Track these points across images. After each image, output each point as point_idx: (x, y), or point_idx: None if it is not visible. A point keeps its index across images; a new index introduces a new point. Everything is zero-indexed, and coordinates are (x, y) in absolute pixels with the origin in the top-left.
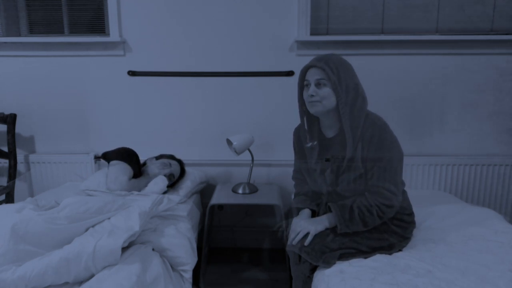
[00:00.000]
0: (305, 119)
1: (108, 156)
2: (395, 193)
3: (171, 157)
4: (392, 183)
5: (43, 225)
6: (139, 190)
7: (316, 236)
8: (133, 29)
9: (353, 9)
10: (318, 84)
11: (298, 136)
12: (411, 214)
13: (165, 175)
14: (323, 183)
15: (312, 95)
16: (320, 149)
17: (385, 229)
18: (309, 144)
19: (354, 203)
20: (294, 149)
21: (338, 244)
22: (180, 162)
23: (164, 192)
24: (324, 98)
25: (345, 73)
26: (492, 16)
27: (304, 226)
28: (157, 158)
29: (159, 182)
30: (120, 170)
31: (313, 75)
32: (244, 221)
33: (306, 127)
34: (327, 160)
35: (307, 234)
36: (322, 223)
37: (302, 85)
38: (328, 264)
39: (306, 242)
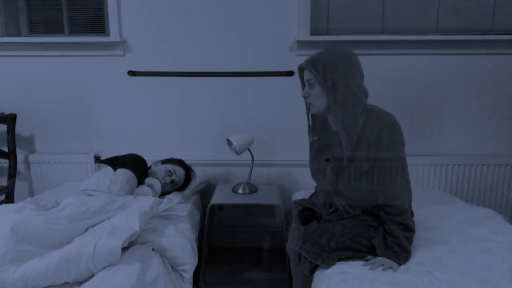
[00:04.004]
0: (309, 114)
1: (117, 162)
2: (404, 195)
3: (179, 162)
4: (403, 180)
5: (43, 225)
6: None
7: (316, 235)
8: (133, 29)
9: (353, 9)
10: (309, 85)
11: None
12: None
13: (165, 183)
14: (323, 180)
15: (305, 97)
16: (322, 145)
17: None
18: (310, 139)
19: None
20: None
21: (337, 243)
22: (186, 169)
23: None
24: (315, 98)
25: (333, 72)
26: (492, 16)
27: (385, 262)
28: (164, 162)
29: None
30: (126, 180)
31: (305, 76)
32: (244, 221)
33: (310, 123)
34: (327, 160)
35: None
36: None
37: (302, 84)
38: (327, 264)
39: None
